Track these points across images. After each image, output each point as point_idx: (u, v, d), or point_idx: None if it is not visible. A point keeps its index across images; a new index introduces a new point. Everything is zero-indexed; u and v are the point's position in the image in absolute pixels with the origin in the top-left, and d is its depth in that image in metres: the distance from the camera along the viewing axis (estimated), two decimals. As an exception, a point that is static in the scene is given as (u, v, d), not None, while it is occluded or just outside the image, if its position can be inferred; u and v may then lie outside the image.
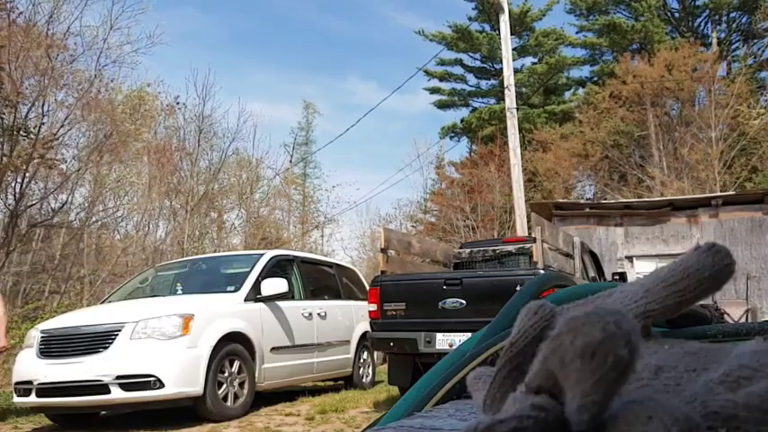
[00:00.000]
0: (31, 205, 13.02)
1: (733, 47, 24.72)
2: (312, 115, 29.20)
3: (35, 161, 11.60)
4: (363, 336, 7.73)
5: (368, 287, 6.87)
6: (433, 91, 27.89)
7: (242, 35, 42.77)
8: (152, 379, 5.32)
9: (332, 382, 8.33)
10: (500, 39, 12.78)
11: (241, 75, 41.32)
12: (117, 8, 18.27)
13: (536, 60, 26.21)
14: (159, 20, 22.77)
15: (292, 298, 7.11)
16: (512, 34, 13.04)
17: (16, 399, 5.85)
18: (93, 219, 15.48)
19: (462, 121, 26.73)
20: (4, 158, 11.21)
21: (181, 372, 5.44)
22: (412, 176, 38.28)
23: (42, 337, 5.78)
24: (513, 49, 21.44)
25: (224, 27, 42.34)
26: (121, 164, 16.12)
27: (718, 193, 13.39)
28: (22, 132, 11.59)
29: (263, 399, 6.66)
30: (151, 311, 5.73)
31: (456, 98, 27.78)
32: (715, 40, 24.41)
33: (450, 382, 0.57)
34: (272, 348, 6.57)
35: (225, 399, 5.87)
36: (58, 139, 12.65)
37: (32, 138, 11.62)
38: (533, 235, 5.69)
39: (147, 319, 5.58)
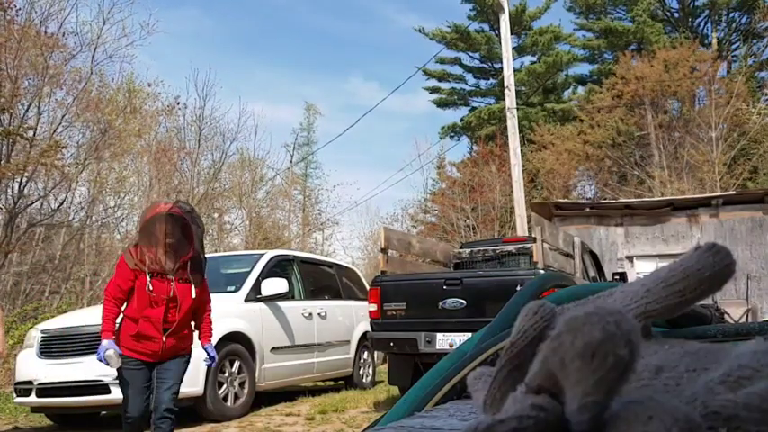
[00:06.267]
0: (31, 204, 13.02)
1: (733, 47, 24.73)
2: (313, 116, 29.19)
3: (35, 165, 11.58)
4: (363, 336, 7.73)
5: (368, 287, 6.87)
6: (433, 90, 27.89)
7: (243, 35, 42.77)
8: (152, 379, 5.31)
9: (332, 382, 8.33)
10: (498, 39, 12.78)
11: (242, 75, 41.33)
12: (108, 1, 18.35)
13: (535, 59, 26.18)
14: (152, 8, 22.62)
15: (292, 298, 7.10)
16: (510, 34, 13.02)
17: (16, 399, 5.85)
18: (93, 218, 15.48)
19: (462, 120, 26.72)
20: (2, 162, 11.20)
21: (181, 372, 5.43)
22: (412, 176, 38.30)
23: (42, 337, 5.78)
24: (513, 49, 21.42)
25: (225, 27, 42.33)
26: (120, 162, 16.11)
27: (719, 193, 13.39)
28: (18, 136, 11.56)
29: (263, 399, 6.66)
30: (151, 311, 5.72)
31: (455, 97, 27.77)
32: (715, 40, 24.40)
33: (450, 382, 0.57)
34: (273, 348, 6.56)
35: (225, 399, 5.87)
36: (63, 147, 12.63)
37: (28, 140, 11.59)
38: (533, 235, 5.70)
39: (147, 319, 5.57)
